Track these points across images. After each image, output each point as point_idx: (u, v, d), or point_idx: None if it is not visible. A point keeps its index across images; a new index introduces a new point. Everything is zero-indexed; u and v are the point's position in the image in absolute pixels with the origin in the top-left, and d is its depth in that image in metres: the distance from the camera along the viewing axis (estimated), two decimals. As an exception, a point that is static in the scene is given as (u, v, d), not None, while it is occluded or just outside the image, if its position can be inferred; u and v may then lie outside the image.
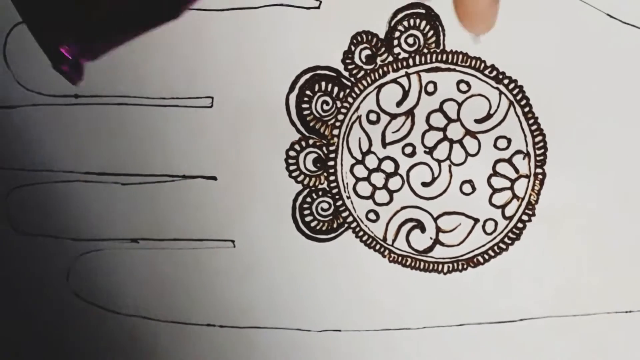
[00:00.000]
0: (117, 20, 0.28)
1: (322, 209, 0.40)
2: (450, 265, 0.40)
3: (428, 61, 0.38)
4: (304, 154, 0.40)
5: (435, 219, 0.40)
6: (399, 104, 0.39)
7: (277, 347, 0.42)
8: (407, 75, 0.38)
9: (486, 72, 0.38)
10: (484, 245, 0.40)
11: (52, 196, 0.41)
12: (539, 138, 0.39)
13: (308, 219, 0.40)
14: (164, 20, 0.28)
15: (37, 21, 0.27)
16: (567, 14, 0.37)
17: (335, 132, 0.39)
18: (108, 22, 0.28)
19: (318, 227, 0.41)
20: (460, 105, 0.38)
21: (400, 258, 0.41)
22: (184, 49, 0.39)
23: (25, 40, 0.39)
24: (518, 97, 0.38)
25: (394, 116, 0.39)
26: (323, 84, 0.39)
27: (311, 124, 0.39)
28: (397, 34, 0.38)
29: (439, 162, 0.39)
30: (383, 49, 0.38)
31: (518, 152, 0.39)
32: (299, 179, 0.40)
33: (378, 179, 0.40)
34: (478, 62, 0.38)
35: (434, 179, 0.39)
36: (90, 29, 0.28)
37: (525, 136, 0.39)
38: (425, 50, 0.38)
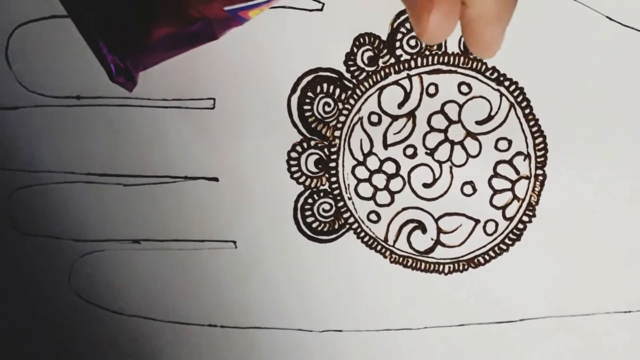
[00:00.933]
0: (166, 41, 0.30)
1: (324, 210, 0.41)
2: (451, 265, 0.41)
3: (429, 63, 0.38)
4: (305, 155, 0.40)
5: (436, 220, 0.40)
6: (400, 105, 0.39)
7: (279, 348, 0.43)
8: (409, 77, 0.38)
9: (487, 74, 0.38)
10: (484, 246, 0.40)
11: (54, 197, 0.41)
12: (540, 139, 0.39)
13: (309, 220, 0.41)
14: (205, 42, 0.30)
15: (97, 40, 0.30)
16: (567, 17, 0.38)
17: (337, 133, 0.39)
18: (159, 42, 0.30)
19: (319, 228, 0.41)
20: (461, 107, 0.39)
21: (401, 259, 0.41)
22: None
23: (27, 42, 0.39)
24: (519, 99, 0.38)
25: (395, 118, 0.39)
26: (325, 85, 0.39)
27: (313, 126, 0.39)
28: (399, 35, 0.38)
29: (440, 163, 0.39)
30: (385, 51, 0.38)
31: (519, 153, 0.39)
32: (301, 180, 0.40)
33: (379, 180, 0.40)
34: (479, 64, 0.38)
35: (435, 180, 0.40)
36: (144, 48, 0.30)
37: (525, 138, 0.39)
38: (427, 52, 0.38)
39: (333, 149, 0.40)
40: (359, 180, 0.40)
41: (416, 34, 0.23)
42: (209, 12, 0.30)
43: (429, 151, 0.39)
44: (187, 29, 0.31)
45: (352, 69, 0.39)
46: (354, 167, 0.40)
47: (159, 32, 0.31)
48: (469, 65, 0.38)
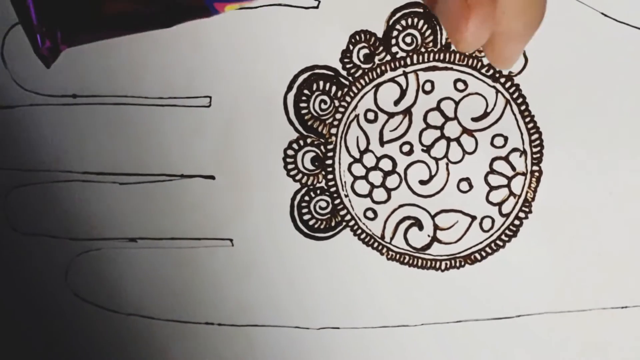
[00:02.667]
0: (115, 20, 0.26)
1: (320, 208, 0.41)
2: (448, 262, 0.41)
3: (425, 60, 0.38)
4: (302, 153, 0.40)
5: (432, 217, 0.40)
6: (396, 102, 0.39)
7: (276, 345, 0.43)
8: (405, 74, 0.39)
9: (483, 70, 0.38)
10: (481, 243, 0.40)
11: (50, 196, 0.41)
12: (536, 136, 0.39)
13: (306, 217, 0.41)
14: (156, 28, 0.26)
15: (26, 3, 0.25)
16: (562, 13, 0.38)
17: (333, 130, 0.40)
18: (106, 20, 0.26)
19: (316, 226, 0.41)
20: (457, 103, 0.39)
21: (398, 256, 0.41)
22: (182, 49, 0.39)
23: (23, 40, 0.39)
24: (515, 96, 0.38)
25: (391, 115, 0.39)
26: (321, 83, 0.39)
27: (309, 123, 0.39)
28: (395, 33, 0.38)
29: (437, 160, 0.39)
30: (381, 48, 0.38)
31: (515, 150, 0.39)
32: (297, 177, 0.40)
33: (376, 177, 0.40)
34: (475, 61, 0.38)
35: (431, 177, 0.40)
36: (87, 24, 0.26)
37: (521, 134, 0.39)
38: (423, 49, 0.38)
39: (329, 147, 0.40)
40: (356, 178, 0.40)
41: (452, 42, 0.23)
42: None
43: (425, 148, 0.39)
44: (146, 9, 0.27)
45: (348, 66, 0.39)
46: (350, 165, 0.40)
47: (112, 7, 0.27)
48: (465, 62, 0.38)
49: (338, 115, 0.39)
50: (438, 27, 0.38)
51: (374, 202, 0.40)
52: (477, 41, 0.23)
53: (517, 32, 0.24)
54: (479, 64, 0.38)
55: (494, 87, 0.38)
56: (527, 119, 0.39)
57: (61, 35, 0.26)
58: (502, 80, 0.38)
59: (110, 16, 0.26)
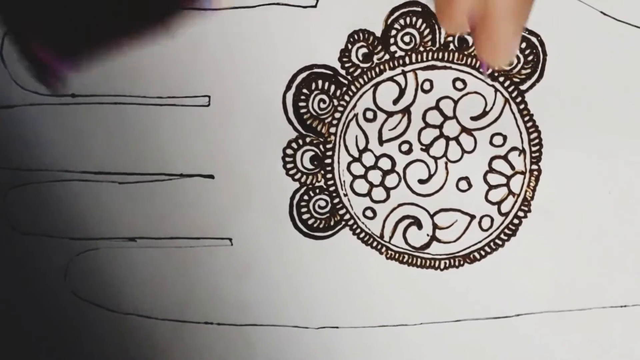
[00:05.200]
0: (120, 45, 0.26)
1: (319, 207, 0.41)
2: (447, 261, 0.41)
3: (424, 59, 0.38)
4: (301, 152, 0.40)
5: (431, 216, 0.40)
6: (395, 101, 0.39)
7: (275, 345, 0.43)
8: (404, 73, 0.39)
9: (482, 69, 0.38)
10: (480, 242, 0.40)
11: (49, 195, 0.41)
12: (535, 135, 0.39)
13: (305, 216, 0.41)
14: (154, 33, 0.26)
15: (28, 36, 0.25)
16: (561, 12, 0.38)
17: (332, 130, 0.40)
18: (101, 44, 0.26)
19: (315, 225, 0.41)
20: (456, 102, 0.39)
21: (397, 255, 0.41)
22: (181, 48, 0.39)
23: (21, 40, 0.39)
24: (513, 95, 0.38)
25: (390, 114, 0.39)
26: (320, 82, 0.39)
27: (308, 122, 0.39)
28: (393, 32, 0.38)
29: (436, 159, 0.39)
30: (379, 47, 0.38)
31: (514, 148, 0.39)
32: (296, 177, 0.40)
33: (375, 176, 0.40)
34: (474, 60, 0.38)
35: (430, 176, 0.40)
36: (83, 48, 0.27)
37: (520, 133, 0.39)
38: (422, 49, 0.38)
39: (328, 146, 0.40)
40: (355, 177, 0.40)
41: (441, 23, 0.23)
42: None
43: (424, 147, 0.39)
44: (147, 32, 0.27)
45: (346, 65, 0.39)
46: (349, 164, 0.40)
47: (122, 41, 0.27)
48: (464, 61, 0.38)
49: (337, 115, 0.39)
50: (436, 26, 0.38)
51: (373, 201, 0.40)
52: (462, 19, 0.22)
53: (509, 10, 0.22)
54: (478, 63, 0.38)
55: (492, 86, 0.38)
56: (526, 118, 0.39)
57: (68, 65, 0.26)
58: (501, 79, 0.38)
59: (119, 45, 0.26)
